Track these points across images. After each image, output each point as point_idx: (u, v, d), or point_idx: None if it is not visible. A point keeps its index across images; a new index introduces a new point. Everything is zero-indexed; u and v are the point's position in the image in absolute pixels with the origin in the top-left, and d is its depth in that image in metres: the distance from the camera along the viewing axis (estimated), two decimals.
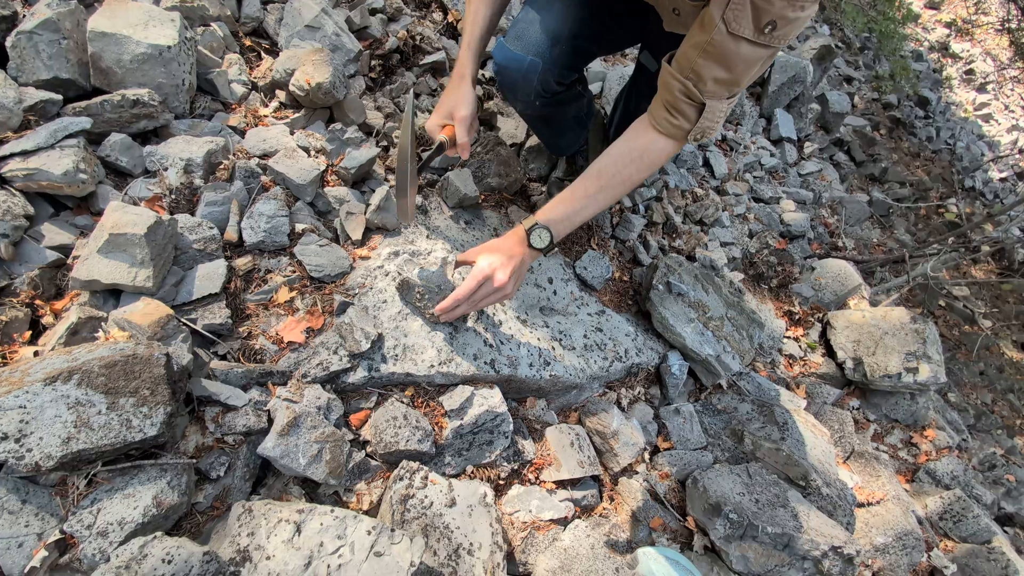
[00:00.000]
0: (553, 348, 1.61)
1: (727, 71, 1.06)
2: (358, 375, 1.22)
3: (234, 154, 1.44)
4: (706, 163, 2.85)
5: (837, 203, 3.66)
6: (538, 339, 1.58)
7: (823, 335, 2.60)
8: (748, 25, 0.98)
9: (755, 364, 2.22)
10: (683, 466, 1.69)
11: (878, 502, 2.02)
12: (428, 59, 2.05)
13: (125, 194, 1.26)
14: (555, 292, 1.77)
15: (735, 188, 2.84)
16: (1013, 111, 9.50)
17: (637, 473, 1.64)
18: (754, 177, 3.15)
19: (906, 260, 2.76)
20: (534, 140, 2.07)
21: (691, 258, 2.24)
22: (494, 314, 1.53)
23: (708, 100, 1.11)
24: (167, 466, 0.99)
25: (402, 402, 1.28)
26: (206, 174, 1.34)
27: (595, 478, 1.57)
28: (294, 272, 1.31)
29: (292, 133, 1.51)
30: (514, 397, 1.59)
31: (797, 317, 2.57)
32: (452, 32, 2.27)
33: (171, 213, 1.26)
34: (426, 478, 1.21)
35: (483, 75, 2.19)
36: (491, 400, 1.37)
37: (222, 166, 1.36)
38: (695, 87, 1.10)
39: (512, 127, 2.09)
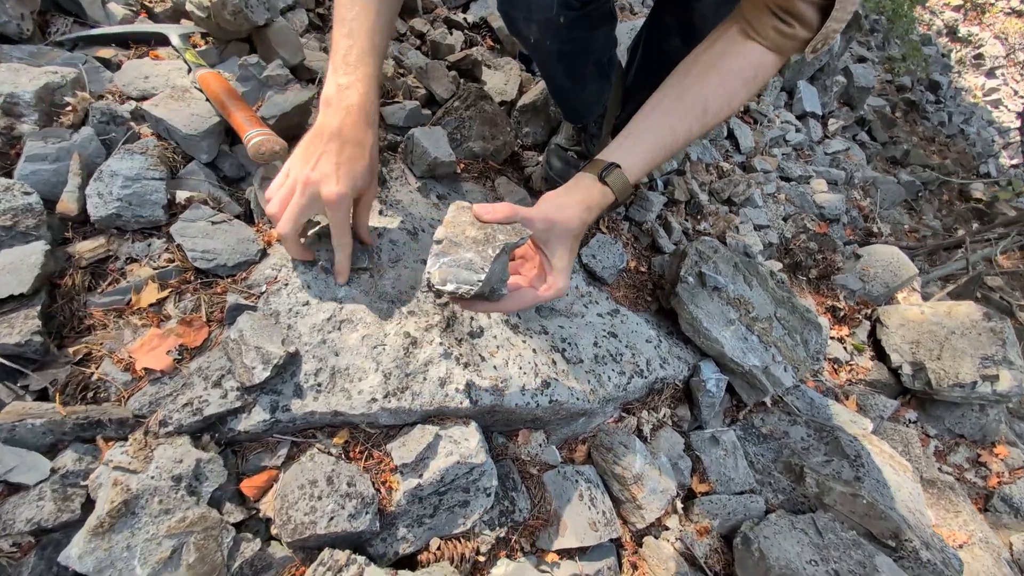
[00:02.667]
0: (554, 362, 1.16)
1: None
2: (254, 419, 0.78)
3: (104, 95, 0.99)
4: (730, 135, 2.39)
5: (870, 184, 3.20)
6: (533, 351, 1.13)
7: (872, 334, 2.15)
8: None
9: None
10: (727, 516, 1.25)
11: (960, 547, 1.58)
12: None
13: None
14: None
15: (763, 164, 2.38)
16: (1023, 96, 9.01)
17: (667, 529, 1.20)
18: (782, 154, 2.69)
19: (965, 245, 2.31)
20: (528, 98, 1.61)
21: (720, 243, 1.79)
22: (473, 319, 1.09)
23: None
24: None
25: (328, 454, 0.83)
26: (44, 118, 0.89)
27: (613, 539, 1.13)
28: (172, 261, 0.87)
29: (189, 70, 1.05)
30: (501, 430, 1.15)
31: (842, 314, 2.12)
32: None
33: None
34: (361, 575, 0.77)
35: (465, 19, 1.73)
36: (465, 445, 0.93)
37: (68, 107, 0.91)
38: None
39: (501, 81, 1.63)
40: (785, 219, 2.20)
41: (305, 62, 1.26)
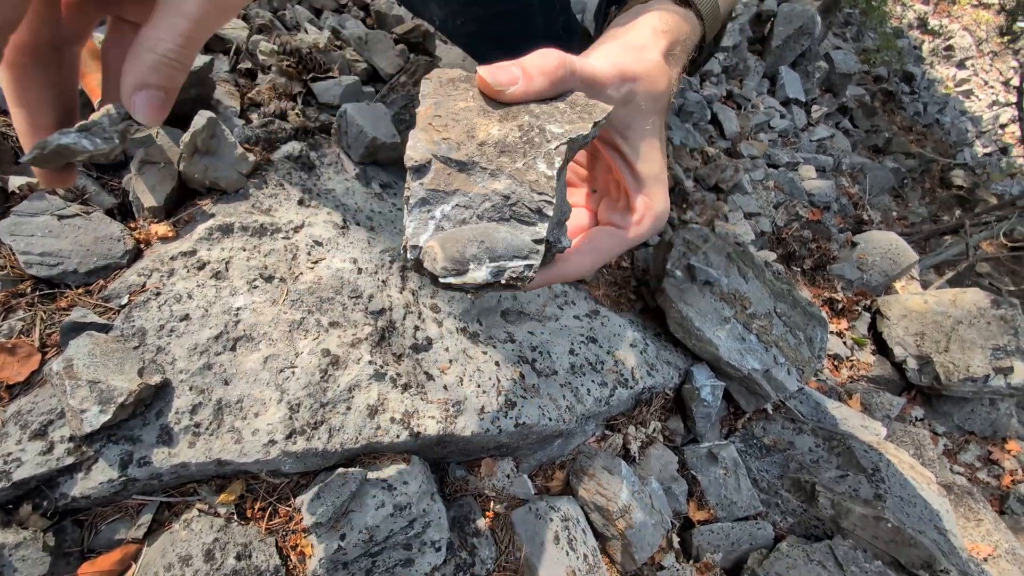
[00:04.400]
0: (522, 376, 0.96)
1: None
2: (93, 480, 0.56)
3: None
4: (714, 120, 2.21)
5: (858, 170, 3.04)
6: (496, 364, 0.93)
7: (872, 327, 1.98)
8: None
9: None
10: (730, 547, 1.05)
11: (985, 560, 1.40)
12: None
13: None
14: None
15: (750, 149, 2.20)
16: (992, 86, 9.04)
17: (663, 569, 0.99)
18: (768, 140, 2.52)
19: (965, 230, 2.15)
20: None
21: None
22: (418, 328, 0.88)
23: None
24: None
25: (215, 515, 0.62)
26: None
27: None
28: (1, 268, 0.65)
29: None
30: (459, 460, 0.94)
31: (840, 306, 1.94)
32: None
33: None
34: None
35: None
36: (401, 491, 0.71)
37: None
38: None
39: (459, 56, 1.43)
40: (776, 206, 2.02)
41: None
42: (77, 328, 0.59)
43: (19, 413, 0.56)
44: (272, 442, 0.63)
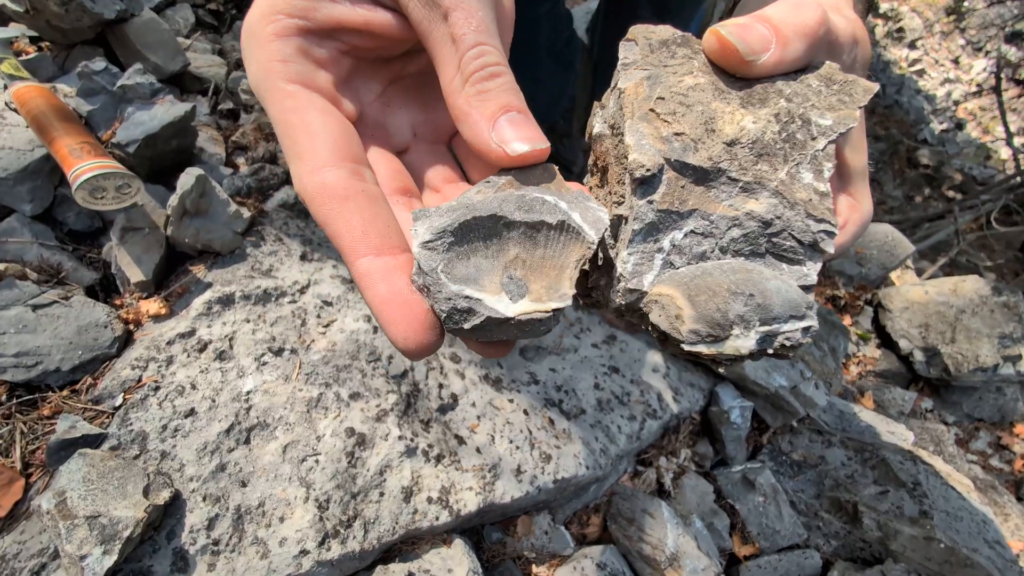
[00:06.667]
0: (551, 422, 0.89)
1: None
2: None
3: None
4: None
5: None
6: (525, 412, 0.86)
7: (875, 321, 1.96)
8: None
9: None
10: None
11: (1017, 556, 1.38)
12: None
13: None
14: None
15: None
16: (943, 65, 9.31)
17: None
18: None
19: (953, 215, 2.15)
20: None
21: None
22: (442, 386, 0.80)
23: None
24: None
25: None
26: None
27: None
28: None
29: (5, 87, 0.73)
30: (495, 521, 0.86)
31: (843, 302, 1.92)
32: None
33: None
34: None
35: None
36: None
37: None
38: None
39: None
40: None
41: (191, 68, 0.95)
42: (66, 446, 0.50)
43: (4, 559, 0.47)
44: (304, 552, 0.55)
